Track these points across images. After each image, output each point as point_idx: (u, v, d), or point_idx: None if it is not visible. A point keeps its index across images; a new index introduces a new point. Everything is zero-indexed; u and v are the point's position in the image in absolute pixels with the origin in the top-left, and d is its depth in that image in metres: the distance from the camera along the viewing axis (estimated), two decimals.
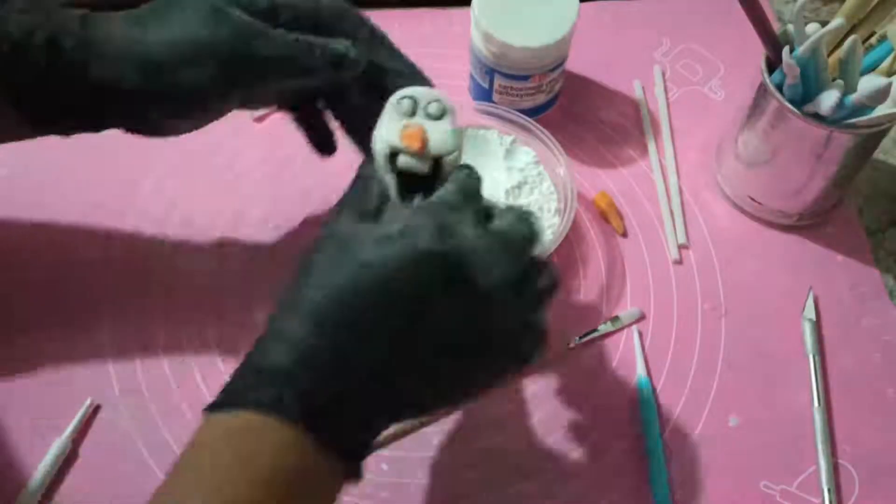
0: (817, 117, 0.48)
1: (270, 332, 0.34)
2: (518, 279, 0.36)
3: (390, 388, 0.34)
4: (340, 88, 0.43)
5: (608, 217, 0.56)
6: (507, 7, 0.55)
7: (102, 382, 0.49)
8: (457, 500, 0.46)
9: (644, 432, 0.48)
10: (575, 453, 0.48)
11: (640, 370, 0.50)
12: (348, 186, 0.39)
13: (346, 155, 0.46)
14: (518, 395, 0.50)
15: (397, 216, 0.36)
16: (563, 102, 0.61)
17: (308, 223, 0.55)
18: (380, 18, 0.45)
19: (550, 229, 0.51)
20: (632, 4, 0.67)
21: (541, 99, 0.59)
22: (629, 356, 0.51)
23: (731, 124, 0.56)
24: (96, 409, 0.48)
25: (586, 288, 0.54)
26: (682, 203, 0.58)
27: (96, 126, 0.42)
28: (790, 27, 0.48)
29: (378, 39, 0.43)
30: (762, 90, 0.50)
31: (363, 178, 0.39)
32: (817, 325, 0.52)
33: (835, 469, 0.48)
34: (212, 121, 0.43)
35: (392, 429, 0.48)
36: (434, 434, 0.48)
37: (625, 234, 0.56)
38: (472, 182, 0.37)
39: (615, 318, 0.52)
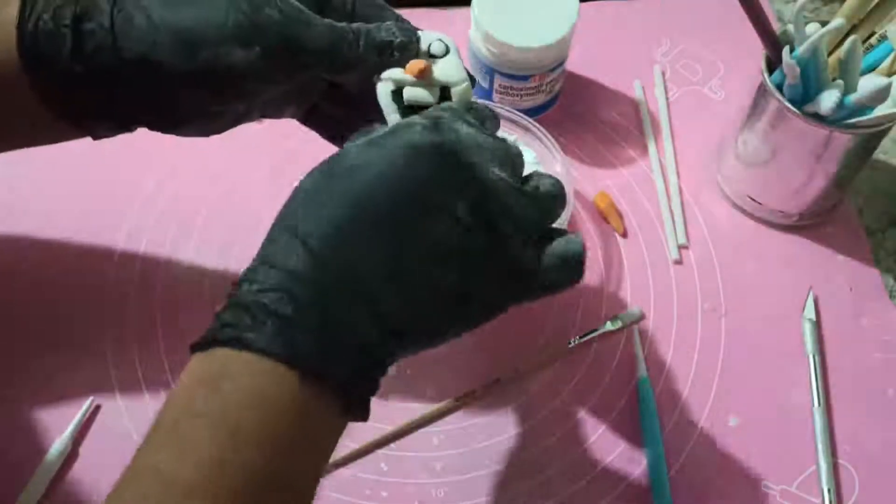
0: (817, 117, 0.48)
1: (256, 258, 0.32)
2: (520, 179, 0.34)
3: (387, 314, 0.31)
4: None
5: (608, 217, 0.56)
6: (507, 7, 0.55)
7: (102, 382, 0.49)
8: (457, 500, 0.46)
9: (644, 432, 0.48)
10: (575, 453, 0.48)
11: (640, 370, 0.50)
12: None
13: None
14: (519, 395, 0.50)
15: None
16: (563, 102, 0.61)
17: None
18: None
19: None
20: (632, 4, 0.67)
21: (541, 99, 0.59)
22: (629, 356, 0.51)
23: (731, 124, 0.56)
24: (96, 409, 0.48)
25: (586, 288, 0.54)
26: (682, 203, 0.58)
27: (125, 119, 0.40)
28: (790, 27, 0.48)
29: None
30: (762, 90, 0.50)
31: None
32: (817, 325, 0.52)
33: (835, 469, 0.48)
34: (238, 121, 0.41)
35: (389, 429, 0.48)
36: (434, 434, 0.48)
37: (625, 234, 0.56)
38: (480, 106, 0.36)
39: (615, 318, 0.52)
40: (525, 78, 0.56)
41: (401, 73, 0.37)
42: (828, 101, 0.46)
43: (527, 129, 0.54)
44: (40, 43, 0.37)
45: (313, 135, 0.44)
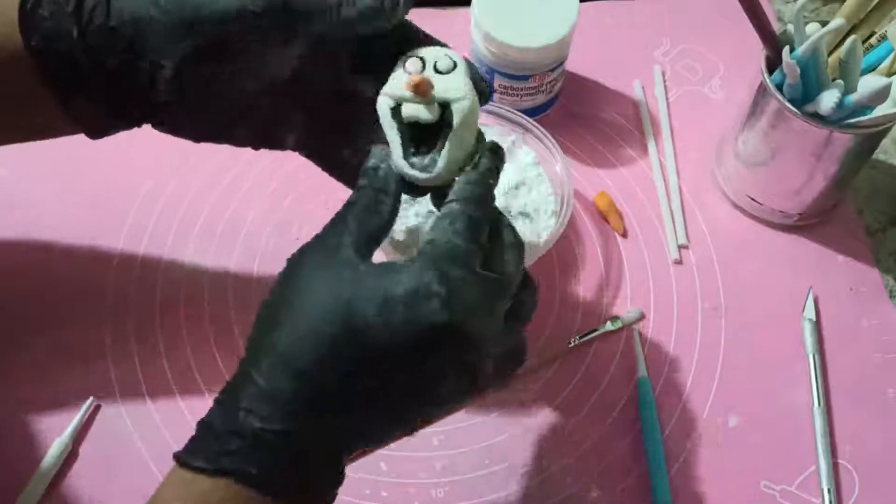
0: (817, 117, 0.48)
1: (249, 380, 0.33)
2: (504, 325, 0.35)
3: (367, 442, 0.35)
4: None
5: (608, 217, 0.56)
6: (507, 7, 0.55)
7: (102, 382, 0.49)
8: (457, 499, 0.46)
9: (644, 432, 0.48)
10: (575, 453, 0.48)
11: (640, 370, 0.50)
12: (356, 194, 0.36)
13: None
14: (519, 395, 0.50)
15: (400, 267, 0.33)
16: (563, 102, 0.61)
17: (309, 224, 0.55)
18: None
19: (547, 230, 0.51)
20: (632, 4, 0.67)
21: (541, 99, 0.59)
22: (629, 356, 0.51)
23: (731, 124, 0.56)
24: (96, 409, 0.48)
25: (586, 288, 0.54)
26: (682, 203, 0.58)
27: (138, 113, 0.39)
28: (790, 27, 0.48)
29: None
30: (762, 90, 0.50)
31: (375, 187, 0.35)
32: (817, 325, 0.52)
33: (835, 469, 0.48)
34: (236, 125, 0.41)
35: None
36: (434, 434, 0.48)
37: (625, 234, 0.56)
38: (475, 215, 0.35)
39: (615, 318, 0.52)
40: (525, 78, 0.56)
41: (401, 89, 0.35)
42: (828, 101, 0.46)
43: (527, 129, 0.54)
44: (42, 21, 0.37)
45: None
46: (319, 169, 0.43)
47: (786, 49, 0.46)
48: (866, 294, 0.54)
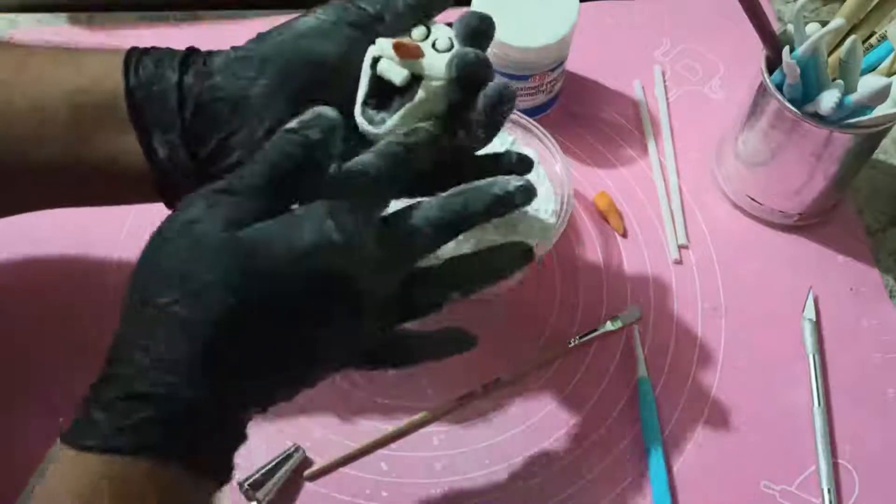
0: (817, 117, 0.48)
1: (126, 345, 0.33)
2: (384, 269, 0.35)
3: (253, 396, 0.34)
4: None
5: (608, 217, 0.56)
6: (507, 7, 0.55)
7: None
8: (457, 499, 0.46)
9: (644, 432, 0.48)
10: (575, 453, 0.48)
11: (640, 370, 0.50)
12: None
13: None
14: (518, 394, 0.50)
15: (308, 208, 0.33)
16: (563, 102, 0.61)
17: None
18: None
19: (547, 230, 0.51)
20: (632, 4, 0.67)
21: (541, 99, 0.59)
22: (629, 356, 0.51)
23: (731, 124, 0.56)
24: None
25: (586, 288, 0.54)
26: (682, 203, 0.58)
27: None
28: (790, 27, 0.48)
29: None
30: (762, 90, 0.50)
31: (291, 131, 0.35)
32: (817, 325, 0.52)
33: (835, 469, 0.48)
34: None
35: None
36: (434, 434, 0.48)
37: (625, 234, 0.56)
38: (399, 151, 0.36)
39: (615, 318, 0.52)
40: (525, 78, 0.56)
41: (389, 46, 0.36)
42: (828, 101, 0.46)
43: (527, 129, 0.54)
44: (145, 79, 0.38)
45: None
46: None
47: (786, 49, 0.46)
48: (866, 294, 0.54)
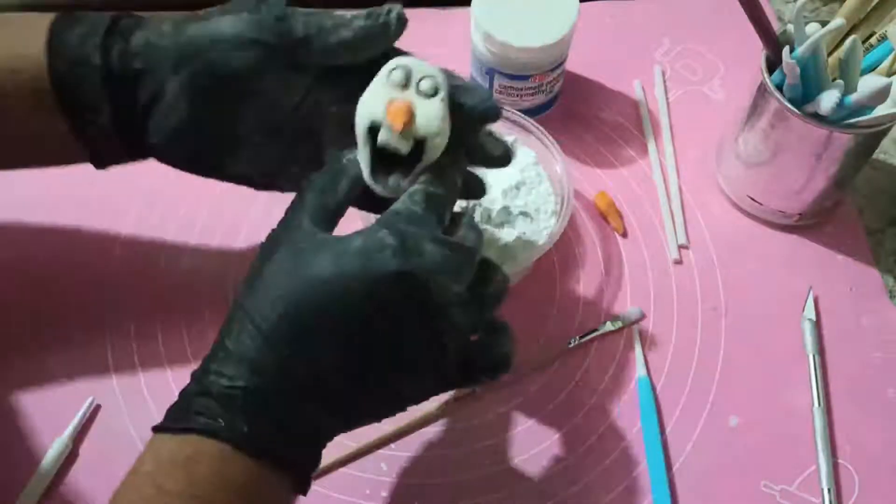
0: (817, 117, 0.48)
1: (221, 347, 0.34)
2: (470, 295, 0.36)
3: (340, 406, 0.36)
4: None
5: (608, 217, 0.56)
6: (507, 7, 0.55)
7: (102, 382, 0.49)
8: (457, 499, 0.46)
9: (644, 432, 0.48)
10: (575, 453, 0.48)
11: (640, 370, 0.50)
12: (316, 175, 0.38)
13: None
14: (519, 395, 0.50)
15: (360, 233, 0.35)
16: (563, 102, 0.61)
17: None
18: None
19: (547, 230, 0.51)
20: (632, 4, 0.67)
21: (541, 99, 0.59)
22: (629, 356, 0.51)
23: (731, 124, 0.56)
24: (96, 409, 0.48)
25: (586, 288, 0.54)
26: (682, 203, 0.58)
27: (142, 145, 0.40)
28: (790, 27, 0.48)
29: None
30: (762, 90, 0.50)
31: (333, 171, 0.37)
32: (817, 325, 0.52)
33: (835, 469, 0.48)
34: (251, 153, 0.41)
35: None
36: (434, 434, 0.48)
37: (624, 235, 0.56)
38: (437, 192, 0.36)
39: (615, 318, 0.52)
40: (525, 78, 0.56)
41: (382, 113, 0.35)
42: (828, 101, 0.46)
43: (527, 129, 0.54)
44: (70, 49, 0.38)
45: None
46: None
47: (786, 49, 0.46)
48: (866, 294, 0.54)
